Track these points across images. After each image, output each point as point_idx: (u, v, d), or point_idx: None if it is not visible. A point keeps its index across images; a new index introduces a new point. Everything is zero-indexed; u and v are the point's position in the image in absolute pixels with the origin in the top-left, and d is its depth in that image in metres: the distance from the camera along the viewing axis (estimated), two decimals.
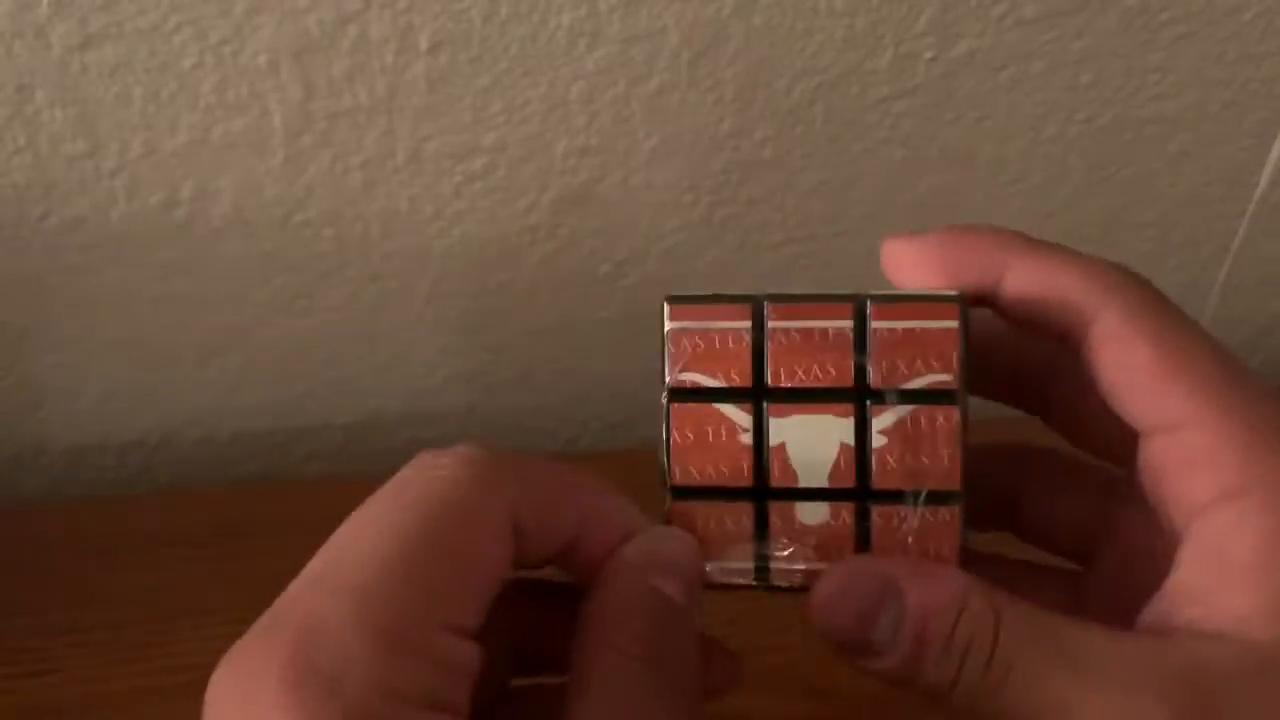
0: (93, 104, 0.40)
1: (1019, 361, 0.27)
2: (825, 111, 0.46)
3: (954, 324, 0.23)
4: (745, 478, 0.24)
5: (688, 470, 0.24)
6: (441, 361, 0.51)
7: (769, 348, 0.24)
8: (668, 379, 0.24)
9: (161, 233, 0.44)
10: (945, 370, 0.23)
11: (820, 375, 0.24)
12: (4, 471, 0.50)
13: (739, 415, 0.24)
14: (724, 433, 0.24)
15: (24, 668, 0.39)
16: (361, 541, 0.21)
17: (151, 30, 0.39)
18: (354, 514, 0.21)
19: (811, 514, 0.24)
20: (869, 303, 0.24)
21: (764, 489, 0.24)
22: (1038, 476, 0.28)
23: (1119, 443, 0.25)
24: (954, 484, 0.23)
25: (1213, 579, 0.22)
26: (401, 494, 0.21)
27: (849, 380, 0.24)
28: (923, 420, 0.23)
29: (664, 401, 0.24)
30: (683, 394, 0.24)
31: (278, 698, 0.18)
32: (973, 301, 0.24)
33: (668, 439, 0.24)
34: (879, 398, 0.24)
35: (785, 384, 0.24)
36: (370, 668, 0.19)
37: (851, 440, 0.24)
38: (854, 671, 0.23)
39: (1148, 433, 0.23)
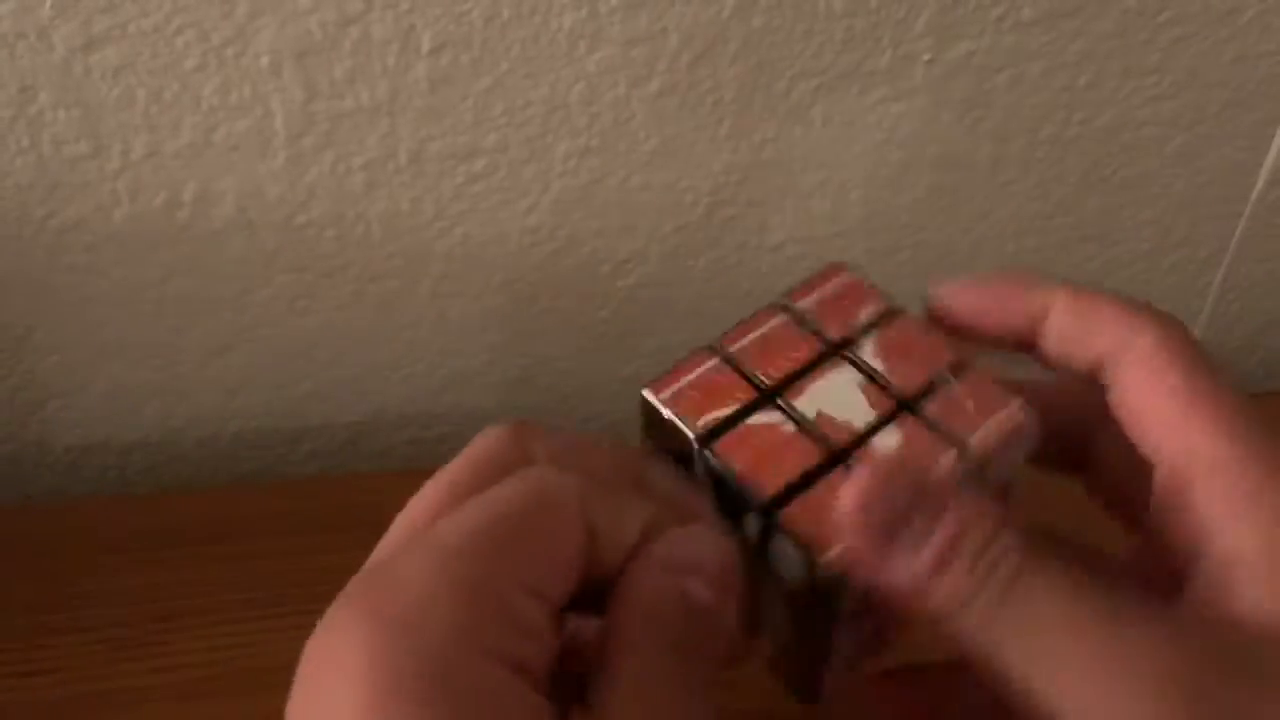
0: (96, 105, 0.40)
1: (1058, 425, 0.28)
2: (825, 111, 0.46)
3: (855, 275, 0.28)
4: (815, 456, 0.25)
5: (763, 483, 0.24)
6: (442, 361, 0.51)
7: (744, 364, 0.26)
8: (693, 435, 0.25)
9: (164, 233, 0.44)
10: (874, 304, 0.27)
11: (797, 358, 0.26)
12: (6, 470, 0.50)
13: (770, 416, 0.25)
14: (770, 436, 0.25)
15: (24, 668, 0.39)
16: (445, 508, 0.23)
17: (154, 32, 0.39)
18: (427, 483, 0.24)
19: (887, 442, 0.25)
20: (785, 299, 0.27)
21: (836, 453, 0.25)
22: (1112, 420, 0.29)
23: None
24: (946, 357, 0.26)
25: (1268, 562, 0.23)
26: (478, 471, 0.24)
27: (819, 349, 0.26)
28: (893, 334, 0.27)
29: (701, 450, 0.25)
30: (714, 433, 0.25)
31: (356, 638, 0.20)
32: (1017, 346, 0.27)
33: (730, 471, 0.25)
34: (849, 344, 0.26)
35: (779, 376, 0.26)
36: (449, 615, 0.20)
37: (862, 378, 0.26)
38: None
39: (1167, 457, 0.24)
